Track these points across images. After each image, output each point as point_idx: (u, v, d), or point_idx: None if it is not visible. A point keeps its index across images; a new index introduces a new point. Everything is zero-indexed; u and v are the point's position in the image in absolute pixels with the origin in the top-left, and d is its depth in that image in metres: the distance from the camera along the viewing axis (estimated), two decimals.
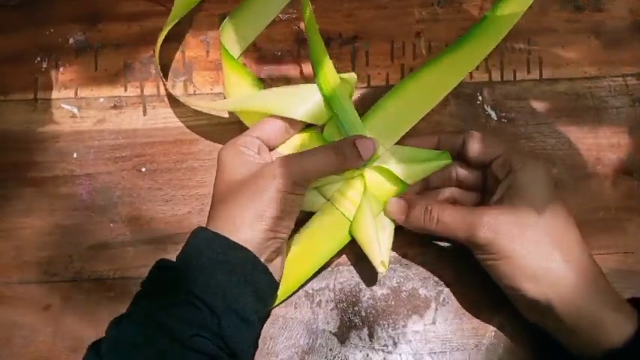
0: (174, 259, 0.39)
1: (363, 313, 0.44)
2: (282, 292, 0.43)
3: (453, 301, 0.44)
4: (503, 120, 0.48)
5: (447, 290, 0.45)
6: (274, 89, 0.46)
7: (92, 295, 0.44)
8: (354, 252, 0.45)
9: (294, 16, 0.51)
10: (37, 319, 0.44)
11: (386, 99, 0.45)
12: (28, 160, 0.47)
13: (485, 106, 0.49)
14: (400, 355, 0.43)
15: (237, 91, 0.46)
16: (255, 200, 0.38)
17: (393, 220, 0.44)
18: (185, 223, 0.46)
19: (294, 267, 0.43)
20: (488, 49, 0.45)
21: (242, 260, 0.37)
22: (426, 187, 0.45)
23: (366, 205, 0.43)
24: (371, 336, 0.44)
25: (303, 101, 0.43)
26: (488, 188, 0.43)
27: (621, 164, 0.47)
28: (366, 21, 0.51)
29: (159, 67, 0.47)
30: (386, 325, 0.44)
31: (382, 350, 0.43)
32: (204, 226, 0.39)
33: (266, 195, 0.38)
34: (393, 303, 0.44)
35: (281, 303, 0.44)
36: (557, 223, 0.39)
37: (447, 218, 0.40)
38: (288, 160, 0.40)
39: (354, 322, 0.44)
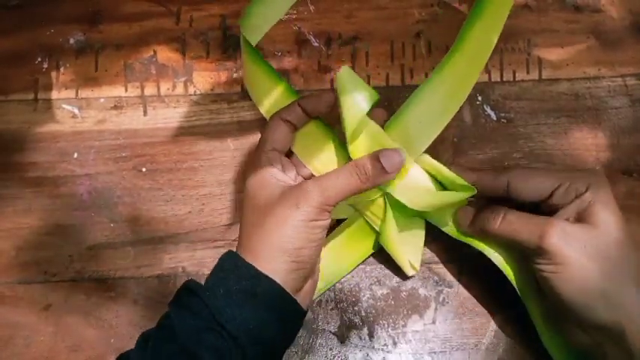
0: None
1: (363, 313, 0.44)
2: None
3: (453, 301, 0.44)
4: (502, 120, 0.49)
5: (447, 290, 0.45)
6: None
7: (92, 295, 0.44)
8: None
9: (293, 17, 0.51)
10: (37, 319, 0.44)
11: (405, 107, 0.42)
12: (29, 160, 0.47)
13: (485, 107, 0.49)
14: (400, 354, 0.43)
15: (257, 82, 0.45)
16: (278, 231, 0.37)
17: (425, 224, 0.44)
18: (185, 223, 0.46)
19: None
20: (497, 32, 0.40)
21: (269, 292, 0.36)
22: None
23: (391, 221, 0.42)
24: (371, 336, 0.44)
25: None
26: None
27: (621, 164, 0.48)
28: (366, 21, 0.51)
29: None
30: (386, 325, 0.44)
31: (382, 350, 0.43)
32: (234, 249, 0.39)
33: (289, 225, 0.37)
34: (392, 303, 0.44)
35: None
36: (631, 250, 0.37)
37: (514, 219, 0.38)
38: (309, 186, 0.38)
39: (354, 321, 0.44)
